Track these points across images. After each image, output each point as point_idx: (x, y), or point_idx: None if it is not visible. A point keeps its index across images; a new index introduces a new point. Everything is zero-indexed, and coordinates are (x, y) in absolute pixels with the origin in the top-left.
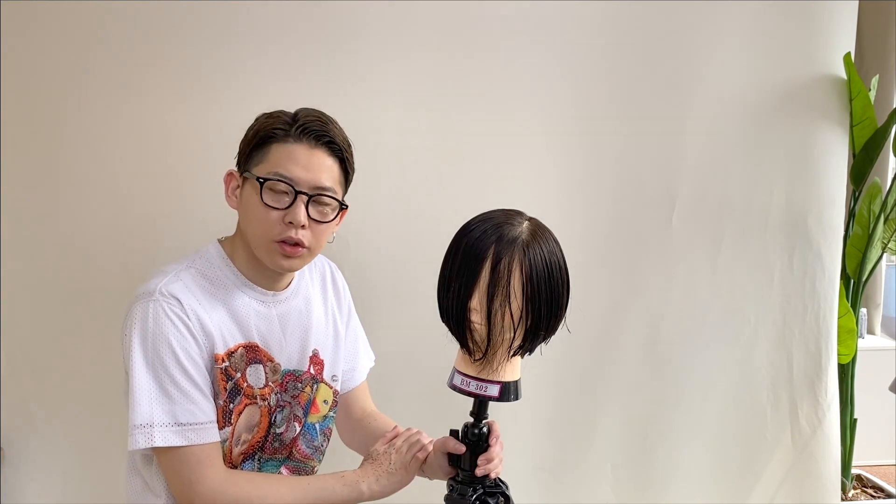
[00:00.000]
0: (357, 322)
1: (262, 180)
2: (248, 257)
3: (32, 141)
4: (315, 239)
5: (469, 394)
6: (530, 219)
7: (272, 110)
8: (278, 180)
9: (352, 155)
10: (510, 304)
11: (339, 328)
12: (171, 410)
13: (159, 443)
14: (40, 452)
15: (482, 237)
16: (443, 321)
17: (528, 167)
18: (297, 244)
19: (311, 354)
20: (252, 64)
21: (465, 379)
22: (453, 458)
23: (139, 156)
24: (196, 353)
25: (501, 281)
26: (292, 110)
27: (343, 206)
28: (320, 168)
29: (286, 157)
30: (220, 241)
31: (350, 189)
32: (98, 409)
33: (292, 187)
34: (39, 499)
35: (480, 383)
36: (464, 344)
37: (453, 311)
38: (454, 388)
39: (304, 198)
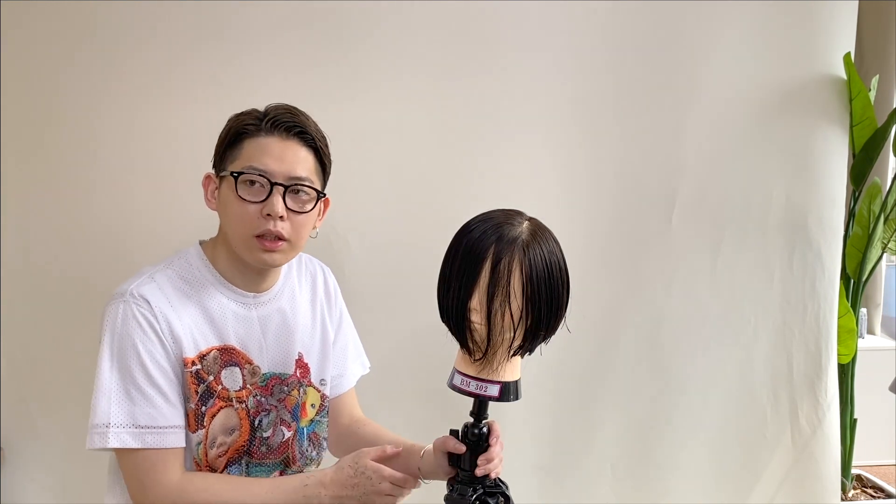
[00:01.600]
0: (349, 327)
1: (236, 175)
2: (230, 258)
3: (33, 141)
4: (295, 231)
5: (469, 394)
6: (530, 219)
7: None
8: (253, 173)
9: (327, 146)
10: (510, 304)
11: (328, 333)
12: (131, 412)
13: (113, 443)
14: (40, 452)
15: (482, 237)
16: (443, 321)
17: (528, 167)
18: (278, 237)
19: (296, 357)
20: (252, 64)
21: (465, 379)
22: (453, 458)
23: (140, 156)
24: (162, 357)
25: (501, 281)
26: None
27: (321, 196)
28: (294, 159)
29: (259, 150)
30: (201, 243)
31: (351, 189)
32: None
33: (267, 179)
34: (39, 499)
35: (480, 383)
36: (464, 344)
37: (453, 311)
38: (454, 388)
39: (281, 189)
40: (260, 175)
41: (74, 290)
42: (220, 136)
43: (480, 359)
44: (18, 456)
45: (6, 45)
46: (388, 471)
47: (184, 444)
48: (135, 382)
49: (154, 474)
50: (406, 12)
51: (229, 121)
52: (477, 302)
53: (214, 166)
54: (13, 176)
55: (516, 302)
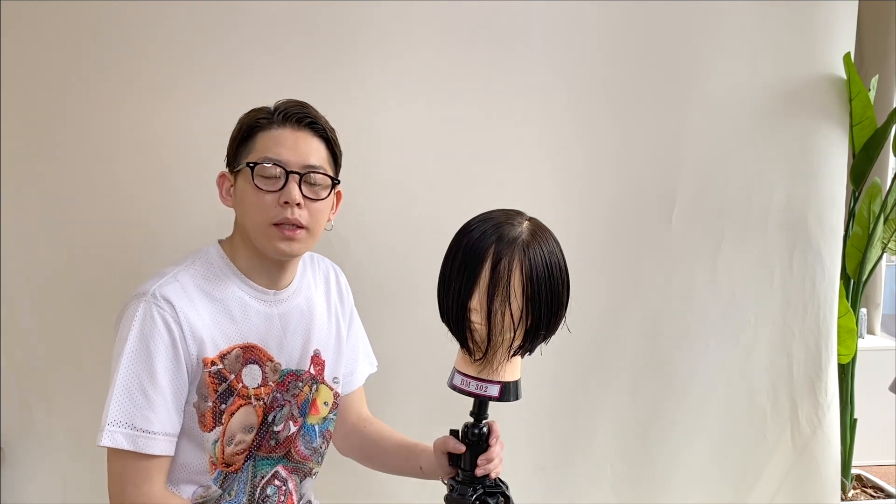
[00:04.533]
0: (359, 326)
1: (252, 165)
2: (249, 254)
3: (33, 141)
4: (312, 219)
5: (469, 394)
6: (530, 219)
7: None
8: (268, 163)
9: (336, 137)
10: (510, 304)
11: (341, 330)
12: (129, 412)
13: (106, 441)
14: (40, 452)
15: (482, 237)
16: (443, 321)
17: (529, 166)
18: (296, 226)
19: (312, 354)
20: (257, 66)
21: (466, 379)
22: (453, 458)
23: (140, 155)
24: (172, 362)
25: (501, 281)
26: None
27: (336, 182)
28: (307, 148)
29: (273, 141)
30: (220, 242)
31: (351, 189)
32: (98, 409)
33: (283, 168)
34: (39, 498)
35: (480, 383)
36: (464, 344)
37: (453, 311)
38: (454, 388)
39: (296, 177)
40: (275, 164)
41: (75, 289)
42: (232, 134)
43: (480, 359)
44: (18, 456)
45: (7, 46)
46: None
47: (171, 454)
48: (140, 384)
49: (136, 479)
50: (406, 14)
51: (240, 119)
52: (477, 302)
53: (228, 164)
54: (14, 176)
55: (516, 302)
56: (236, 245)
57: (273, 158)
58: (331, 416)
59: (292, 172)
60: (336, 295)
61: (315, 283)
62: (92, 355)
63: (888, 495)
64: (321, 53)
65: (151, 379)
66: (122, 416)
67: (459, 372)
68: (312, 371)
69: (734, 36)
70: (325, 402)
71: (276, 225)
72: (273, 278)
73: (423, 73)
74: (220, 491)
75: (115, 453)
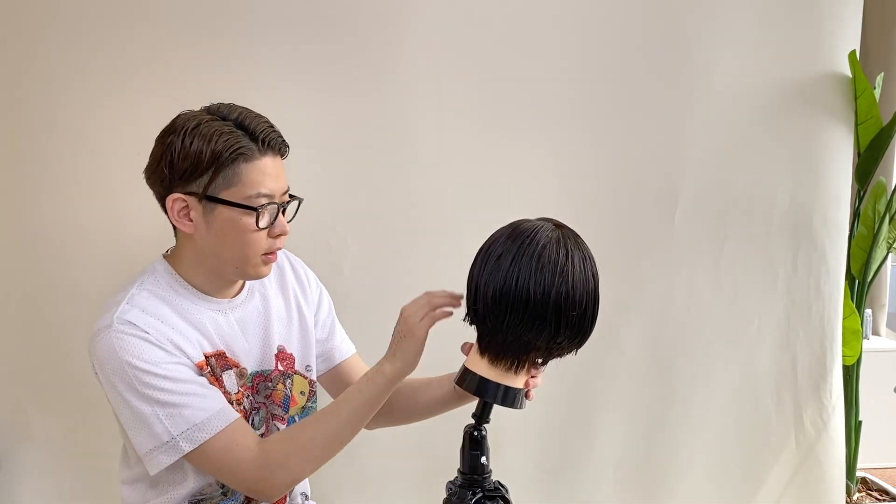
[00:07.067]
0: (330, 307)
1: (258, 208)
2: (206, 273)
3: (25, 140)
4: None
5: (476, 393)
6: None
7: (201, 123)
8: (267, 201)
9: None
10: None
11: (305, 317)
12: (183, 416)
13: (187, 448)
14: (36, 455)
15: (584, 283)
16: (496, 338)
17: (531, 166)
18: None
19: (276, 352)
20: (242, 62)
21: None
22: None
23: (133, 153)
24: (169, 360)
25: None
26: (225, 108)
27: (300, 201)
28: (283, 174)
29: (261, 174)
30: (164, 256)
31: (349, 189)
32: (94, 412)
33: (275, 203)
34: (35, 502)
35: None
36: (496, 357)
37: (531, 345)
38: (462, 387)
39: (282, 208)
40: (271, 202)
41: (69, 293)
42: (189, 156)
43: (503, 369)
44: (14, 460)
45: None
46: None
47: (238, 415)
48: (166, 392)
49: (233, 454)
50: (408, 13)
51: (204, 139)
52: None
53: (181, 186)
54: (5, 178)
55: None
56: (188, 263)
57: (269, 195)
58: (309, 404)
59: (280, 204)
60: (294, 282)
61: (269, 278)
62: (88, 357)
63: (893, 498)
64: (319, 53)
65: (168, 381)
66: (183, 425)
67: (470, 370)
68: (281, 367)
69: (738, 34)
70: (301, 392)
71: (264, 255)
72: (228, 289)
73: (423, 73)
74: (220, 489)
75: (201, 452)
